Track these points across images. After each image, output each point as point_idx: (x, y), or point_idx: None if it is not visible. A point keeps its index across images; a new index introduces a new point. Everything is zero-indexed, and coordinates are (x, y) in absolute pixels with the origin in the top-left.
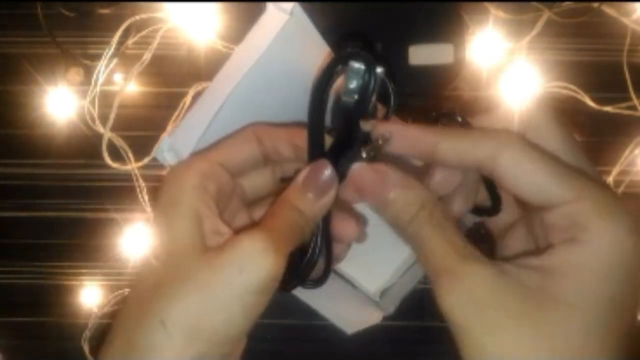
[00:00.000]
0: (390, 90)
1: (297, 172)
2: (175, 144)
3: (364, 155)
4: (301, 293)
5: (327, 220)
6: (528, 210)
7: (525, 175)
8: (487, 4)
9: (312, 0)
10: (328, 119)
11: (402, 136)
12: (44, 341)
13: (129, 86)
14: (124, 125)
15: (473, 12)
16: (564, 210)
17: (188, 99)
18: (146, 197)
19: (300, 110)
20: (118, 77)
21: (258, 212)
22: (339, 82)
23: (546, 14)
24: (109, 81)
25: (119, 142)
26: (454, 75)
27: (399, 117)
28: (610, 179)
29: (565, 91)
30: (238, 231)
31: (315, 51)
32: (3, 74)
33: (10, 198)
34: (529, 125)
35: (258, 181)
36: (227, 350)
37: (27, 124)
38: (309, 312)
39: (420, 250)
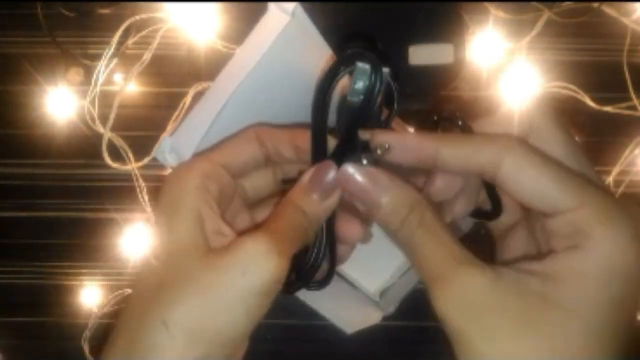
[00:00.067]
0: (394, 91)
1: (300, 173)
2: (176, 144)
3: (364, 162)
4: (301, 293)
5: (331, 221)
6: (529, 212)
7: (527, 181)
8: (487, 4)
9: (312, 0)
10: (331, 119)
11: (401, 146)
12: (44, 341)
13: (129, 86)
14: (124, 125)
15: (473, 12)
16: (567, 218)
17: (188, 99)
18: (146, 197)
19: (302, 110)
20: (118, 77)
21: (259, 213)
22: (344, 82)
23: (546, 14)
24: (109, 81)
25: (119, 142)
26: (454, 76)
27: (401, 119)
28: (610, 179)
29: (565, 91)
30: (240, 232)
31: (316, 52)
32: (3, 74)
33: (10, 198)
34: (530, 128)
35: (259, 182)
36: (229, 352)
37: (27, 124)
38: (309, 312)
39: (413, 256)
